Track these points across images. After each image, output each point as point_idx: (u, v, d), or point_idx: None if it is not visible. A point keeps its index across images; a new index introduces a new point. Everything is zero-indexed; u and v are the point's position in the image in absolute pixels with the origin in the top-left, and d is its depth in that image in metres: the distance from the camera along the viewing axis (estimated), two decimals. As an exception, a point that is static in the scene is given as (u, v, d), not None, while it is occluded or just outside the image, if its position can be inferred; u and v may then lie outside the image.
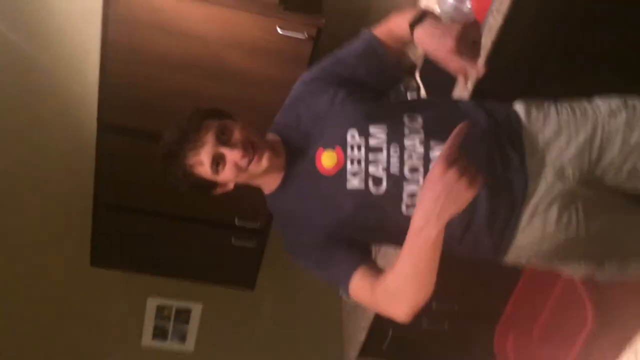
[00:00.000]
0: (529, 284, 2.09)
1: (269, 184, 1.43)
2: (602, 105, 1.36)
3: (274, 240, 3.11)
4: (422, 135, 1.28)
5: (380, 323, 2.57)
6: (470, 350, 2.60)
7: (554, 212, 1.28)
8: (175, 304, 3.50)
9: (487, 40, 1.75)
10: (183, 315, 3.52)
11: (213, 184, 1.37)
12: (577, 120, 1.34)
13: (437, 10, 1.87)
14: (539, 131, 1.33)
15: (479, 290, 2.44)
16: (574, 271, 1.41)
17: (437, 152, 1.26)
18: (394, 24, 1.39)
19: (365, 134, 1.30)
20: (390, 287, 1.19)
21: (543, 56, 1.85)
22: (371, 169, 1.29)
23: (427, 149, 1.27)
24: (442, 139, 1.16)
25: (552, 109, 1.37)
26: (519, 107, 1.38)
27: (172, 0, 2.29)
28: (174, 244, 3.05)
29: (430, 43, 1.23)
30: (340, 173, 1.31)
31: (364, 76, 1.43)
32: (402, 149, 1.28)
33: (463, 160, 1.04)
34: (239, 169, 1.31)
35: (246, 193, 2.74)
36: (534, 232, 1.30)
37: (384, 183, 1.29)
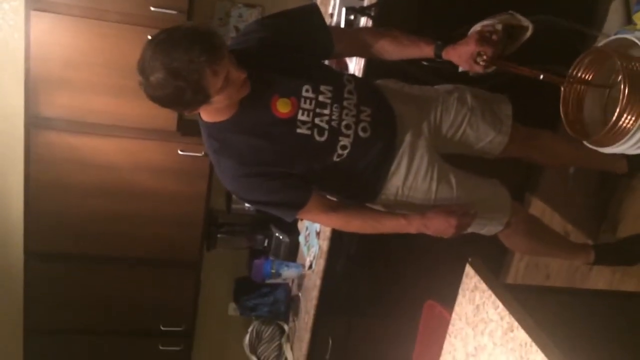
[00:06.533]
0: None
1: (221, 114, 1.54)
2: (440, 87, 1.85)
3: (199, 343, 3.36)
4: (355, 100, 1.63)
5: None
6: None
7: (417, 163, 1.69)
8: None
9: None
10: None
11: (207, 98, 1.42)
12: (424, 94, 1.81)
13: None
14: (397, 100, 1.74)
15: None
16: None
17: (365, 114, 1.63)
18: (412, 43, 1.68)
19: (316, 91, 1.58)
20: (352, 223, 1.70)
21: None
22: (317, 120, 1.57)
23: (358, 111, 1.63)
24: (367, 104, 1.64)
25: (406, 85, 1.84)
26: (381, 82, 1.83)
27: (86, 137, 2.72)
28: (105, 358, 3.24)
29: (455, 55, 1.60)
30: (292, 119, 1.56)
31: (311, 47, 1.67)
32: (341, 108, 1.60)
33: (467, 220, 1.62)
34: (238, 89, 1.46)
35: (168, 299, 3.10)
36: (400, 176, 1.69)
37: (326, 133, 1.58)
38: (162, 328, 3.15)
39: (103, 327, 3.16)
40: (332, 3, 2.63)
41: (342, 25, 2.42)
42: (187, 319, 3.21)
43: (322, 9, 2.88)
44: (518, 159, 1.97)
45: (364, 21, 2.25)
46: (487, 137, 1.80)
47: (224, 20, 2.95)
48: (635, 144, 1.53)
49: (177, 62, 1.33)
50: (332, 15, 2.65)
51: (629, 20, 2.09)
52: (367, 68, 2.16)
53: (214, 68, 1.36)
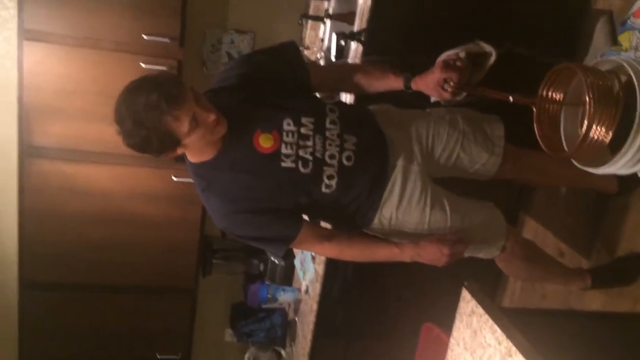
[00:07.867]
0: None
1: (204, 153, 1.56)
2: (433, 111, 1.84)
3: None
4: (338, 129, 1.63)
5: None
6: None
7: (410, 189, 1.68)
8: None
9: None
10: None
11: (177, 142, 1.45)
12: (416, 119, 1.79)
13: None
14: (389, 126, 1.76)
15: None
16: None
17: (349, 143, 1.63)
18: (383, 76, 1.72)
19: (298, 123, 1.60)
20: (345, 253, 1.71)
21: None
22: (300, 152, 1.58)
23: (342, 140, 1.63)
24: (351, 132, 1.64)
25: (398, 110, 1.84)
26: (373, 108, 1.83)
27: (80, 165, 2.72)
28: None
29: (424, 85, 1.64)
30: (276, 153, 1.57)
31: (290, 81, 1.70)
32: (324, 138, 1.61)
33: (460, 248, 1.62)
34: (211, 130, 1.47)
35: (163, 326, 3.08)
36: (393, 202, 1.69)
37: (310, 165, 1.59)
38: (159, 356, 3.13)
39: (99, 356, 3.13)
40: (322, 28, 2.67)
41: (333, 50, 2.45)
42: (184, 346, 3.18)
43: (313, 34, 2.93)
44: (510, 180, 1.98)
45: (354, 46, 2.28)
46: (481, 160, 1.80)
47: (216, 47, 2.98)
48: (625, 164, 1.55)
49: (140, 113, 1.38)
50: (322, 40, 2.68)
51: (614, 42, 2.12)
52: (358, 94, 2.18)
53: (175, 114, 1.39)
